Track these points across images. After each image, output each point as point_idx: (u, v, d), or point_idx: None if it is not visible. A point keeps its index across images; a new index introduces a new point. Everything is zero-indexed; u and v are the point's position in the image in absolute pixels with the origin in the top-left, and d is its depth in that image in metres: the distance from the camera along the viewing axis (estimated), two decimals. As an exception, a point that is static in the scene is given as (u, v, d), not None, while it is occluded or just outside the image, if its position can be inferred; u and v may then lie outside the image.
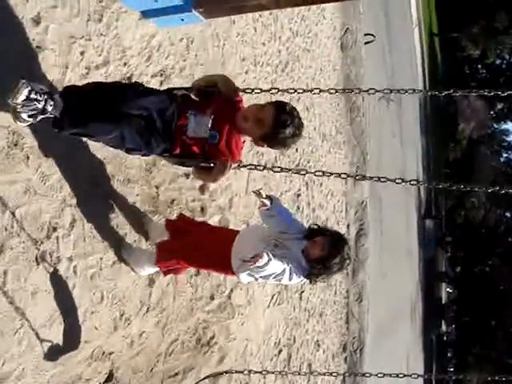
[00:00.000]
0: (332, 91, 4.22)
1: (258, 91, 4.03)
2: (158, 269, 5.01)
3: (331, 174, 3.93)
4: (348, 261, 4.41)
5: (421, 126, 34.95)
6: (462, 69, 55.86)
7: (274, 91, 4.04)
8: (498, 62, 56.70)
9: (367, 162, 13.87)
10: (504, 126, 61.33)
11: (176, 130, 3.65)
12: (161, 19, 5.31)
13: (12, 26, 3.91)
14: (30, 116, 3.42)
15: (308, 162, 9.60)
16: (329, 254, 4.29)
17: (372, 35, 15.22)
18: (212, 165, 3.85)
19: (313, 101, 10.21)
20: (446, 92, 4.33)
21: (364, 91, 4.26)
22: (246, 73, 7.54)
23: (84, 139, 4.12)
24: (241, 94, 4.03)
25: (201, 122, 3.61)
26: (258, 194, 4.45)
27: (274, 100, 3.97)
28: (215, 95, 3.83)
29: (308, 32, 10.26)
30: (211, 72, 6.51)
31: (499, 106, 56.33)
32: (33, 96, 3.35)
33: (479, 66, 57.98)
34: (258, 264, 3.92)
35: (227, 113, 3.77)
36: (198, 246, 4.72)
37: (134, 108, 3.52)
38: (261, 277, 4.34)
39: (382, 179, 3.93)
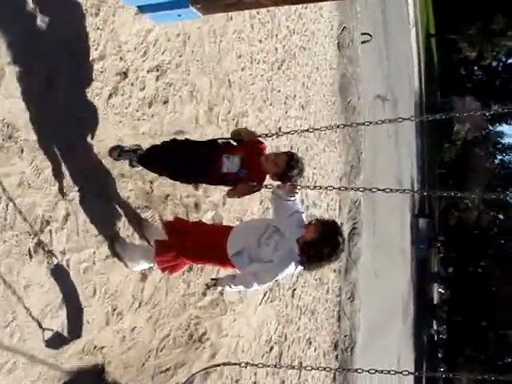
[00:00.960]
0: (337, 127, 5.10)
1: (272, 135, 5.16)
2: (151, 265, 5.05)
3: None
4: (341, 246, 4.48)
5: (416, 127, 34.97)
6: (458, 70, 55.93)
7: (280, 133, 5.65)
8: (494, 63, 56.77)
9: (362, 161, 13.89)
10: (499, 128, 61.42)
11: (214, 170, 4.83)
12: (158, 14, 5.29)
13: (5, 19, 3.91)
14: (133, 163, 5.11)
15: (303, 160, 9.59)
16: (321, 237, 4.42)
17: (369, 34, 15.21)
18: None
19: (308, 99, 10.23)
20: (444, 115, 4.58)
21: (361, 124, 5.15)
22: (243, 70, 7.55)
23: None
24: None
25: (233, 162, 4.82)
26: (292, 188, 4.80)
27: (286, 150, 5.54)
28: (244, 143, 4.97)
29: (305, 30, 10.26)
30: (207, 68, 6.54)
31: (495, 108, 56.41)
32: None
33: (475, 68, 58.04)
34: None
35: (253, 155, 4.87)
36: (195, 240, 4.83)
37: (185, 160, 4.87)
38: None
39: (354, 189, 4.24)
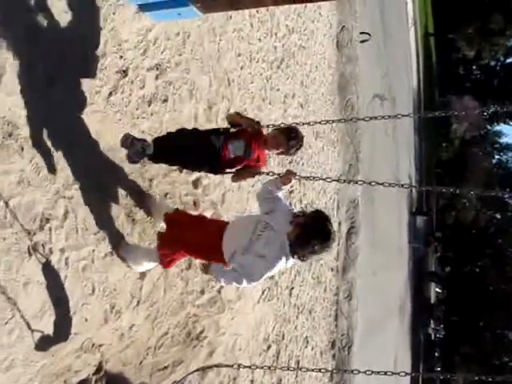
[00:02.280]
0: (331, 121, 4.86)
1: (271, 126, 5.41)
2: (155, 264, 5.08)
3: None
4: (332, 235, 4.44)
5: (414, 126, 34.96)
6: (456, 69, 55.93)
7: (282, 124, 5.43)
8: (492, 63, 56.75)
9: (360, 159, 13.89)
10: (497, 128, 61.35)
11: (223, 158, 5.08)
12: (158, 13, 5.30)
13: (7, 17, 3.91)
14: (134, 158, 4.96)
15: (301, 159, 9.63)
16: (309, 233, 4.40)
17: (368, 34, 15.20)
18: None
19: (307, 98, 10.23)
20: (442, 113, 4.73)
21: (361, 119, 5.33)
22: (242, 68, 7.55)
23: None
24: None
25: (239, 146, 5.10)
26: (289, 176, 4.89)
27: (285, 127, 5.32)
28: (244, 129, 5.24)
29: (304, 29, 10.26)
30: (207, 67, 6.54)
31: (493, 108, 56.39)
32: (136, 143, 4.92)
33: (474, 67, 58.03)
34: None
35: (255, 138, 5.14)
36: (193, 237, 4.84)
37: (194, 151, 5.09)
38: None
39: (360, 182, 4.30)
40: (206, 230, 4.95)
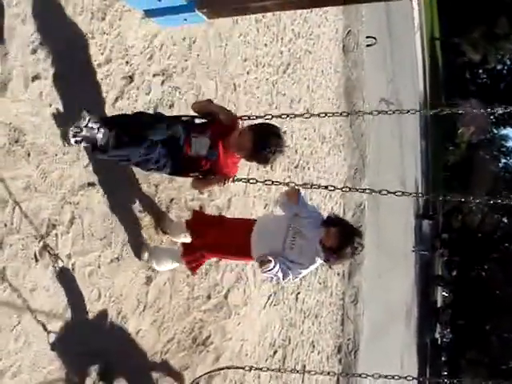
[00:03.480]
0: (329, 114, 4.56)
1: (254, 117, 4.60)
2: (177, 265, 5.24)
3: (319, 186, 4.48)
4: (360, 248, 4.71)
5: (420, 130, 34.94)
6: (462, 73, 55.87)
7: (268, 117, 4.55)
8: (498, 67, 56.72)
9: (366, 164, 13.88)
10: (503, 132, 61.30)
11: (183, 154, 4.37)
12: (164, 19, 5.30)
13: (14, 24, 3.92)
14: (76, 141, 4.04)
15: (307, 164, 9.62)
16: (341, 245, 4.59)
17: (374, 38, 15.21)
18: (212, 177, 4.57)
19: (313, 102, 10.23)
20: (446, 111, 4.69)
21: (367, 113, 5.00)
22: (248, 73, 7.56)
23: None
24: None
25: (202, 143, 4.34)
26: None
27: (255, 124, 4.54)
28: (213, 121, 4.49)
29: (310, 34, 10.27)
30: (213, 72, 6.54)
31: (499, 112, 56.36)
32: (90, 125, 4.02)
33: (480, 71, 57.97)
34: (266, 268, 4.54)
35: (222, 135, 4.44)
36: (218, 238, 4.95)
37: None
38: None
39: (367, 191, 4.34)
40: (230, 230, 5.08)
